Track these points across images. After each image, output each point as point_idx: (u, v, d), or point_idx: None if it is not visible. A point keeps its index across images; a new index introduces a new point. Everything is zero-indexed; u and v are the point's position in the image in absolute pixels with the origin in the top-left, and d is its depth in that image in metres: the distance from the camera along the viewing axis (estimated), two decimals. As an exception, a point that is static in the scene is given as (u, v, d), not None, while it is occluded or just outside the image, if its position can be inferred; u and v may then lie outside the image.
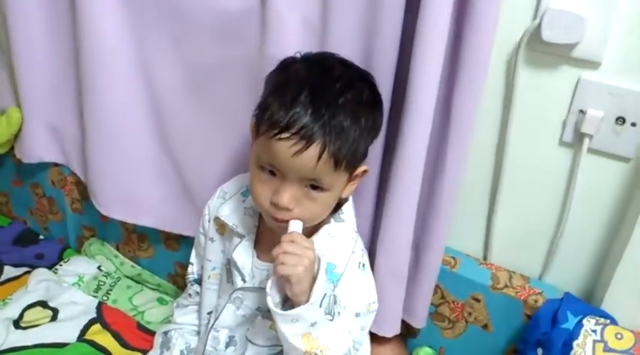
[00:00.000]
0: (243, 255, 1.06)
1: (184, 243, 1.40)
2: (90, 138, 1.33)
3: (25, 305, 1.36)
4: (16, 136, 1.47)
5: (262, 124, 0.91)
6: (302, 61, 0.97)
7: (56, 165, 1.50)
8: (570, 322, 1.02)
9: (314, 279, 0.90)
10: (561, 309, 1.04)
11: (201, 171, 1.28)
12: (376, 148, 1.08)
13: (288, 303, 0.92)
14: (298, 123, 0.86)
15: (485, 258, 1.21)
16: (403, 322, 1.20)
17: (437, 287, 1.19)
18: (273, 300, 0.91)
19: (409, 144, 1.02)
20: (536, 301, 1.10)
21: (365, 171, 1.00)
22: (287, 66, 0.97)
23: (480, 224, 1.20)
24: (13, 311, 1.35)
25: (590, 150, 1.03)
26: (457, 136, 1.04)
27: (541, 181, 1.10)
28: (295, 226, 0.93)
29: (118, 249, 1.53)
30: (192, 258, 1.21)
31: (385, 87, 1.04)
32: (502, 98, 1.08)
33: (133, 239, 1.49)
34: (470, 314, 1.18)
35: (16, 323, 1.32)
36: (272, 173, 0.92)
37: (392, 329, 1.18)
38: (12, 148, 1.51)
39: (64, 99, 1.39)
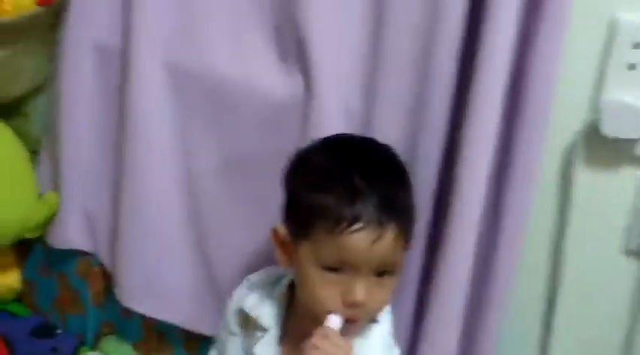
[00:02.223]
0: (266, 349, 0.97)
1: (205, 345, 1.30)
2: (122, 224, 1.30)
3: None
4: (50, 221, 1.44)
5: (319, 225, 0.85)
6: (320, 149, 0.93)
7: (85, 254, 1.46)
8: None
9: None
10: None
11: (231, 264, 1.22)
12: (417, 249, 1.01)
13: None
14: (367, 211, 0.82)
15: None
16: None
17: None
18: None
19: (454, 251, 0.97)
20: None
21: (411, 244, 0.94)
22: (308, 159, 0.92)
23: (534, 348, 1.08)
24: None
25: (661, 260, 0.94)
26: (507, 241, 0.98)
27: (604, 297, 1.00)
28: (333, 322, 0.85)
29: (136, 349, 1.44)
30: (212, 355, 1.12)
31: (428, 185, 0.99)
32: (559, 200, 1.00)
33: (153, 338, 1.41)
34: None
35: None
36: (337, 270, 0.85)
37: None
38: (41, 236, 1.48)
39: (102, 186, 1.37)
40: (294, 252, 0.90)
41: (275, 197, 1.06)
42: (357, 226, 0.82)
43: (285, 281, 1.00)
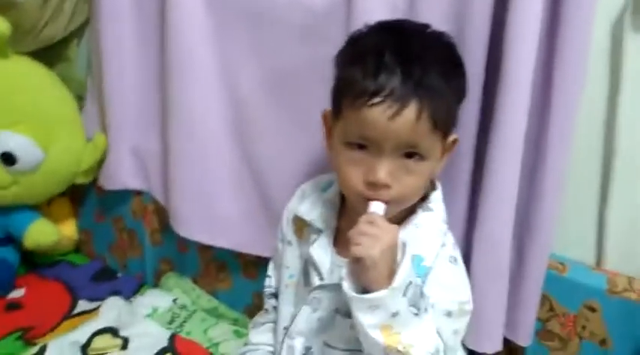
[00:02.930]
0: (321, 250, 0.97)
1: (264, 271, 1.32)
2: (172, 157, 1.32)
3: (94, 330, 1.30)
4: (100, 164, 1.48)
5: (345, 100, 0.85)
6: (372, 30, 0.91)
7: (138, 194, 1.49)
8: None
9: (397, 267, 0.80)
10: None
11: (282, 181, 1.22)
12: (469, 132, 1.00)
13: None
14: (390, 85, 0.81)
15: (598, 265, 1.06)
16: (505, 340, 1.05)
17: (544, 297, 1.04)
18: (349, 285, 0.82)
19: (505, 128, 0.95)
20: (664, 305, 0.94)
21: (455, 141, 0.92)
22: (356, 39, 0.91)
23: (591, 224, 1.06)
24: (81, 335, 1.28)
25: None
26: (559, 115, 0.96)
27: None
28: (376, 207, 0.84)
29: (195, 282, 1.47)
30: (270, 271, 1.13)
31: (477, 74, 0.98)
32: (610, 71, 0.98)
33: (211, 269, 1.43)
34: (584, 328, 1.02)
35: (84, 349, 1.25)
36: (361, 148, 0.85)
37: (492, 345, 1.04)
38: (94, 182, 1.52)
39: (149, 123, 1.40)
40: (334, 134, 0.90)
41: (321, 108, 1.08)
42: (376, 99, 0.81)
43: (335, 185, 1.00)
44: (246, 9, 1.18)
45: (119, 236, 1.58)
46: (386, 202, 0.85)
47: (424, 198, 0.94)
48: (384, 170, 0.83)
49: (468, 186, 1.04)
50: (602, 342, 1.02)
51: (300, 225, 1.04)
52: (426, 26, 0.92)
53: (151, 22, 1.31)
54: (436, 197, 0.95)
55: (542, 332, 1.07)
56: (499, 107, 0.95)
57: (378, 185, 0.84)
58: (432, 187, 0.96)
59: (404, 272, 0.79)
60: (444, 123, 0.85)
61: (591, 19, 0.90)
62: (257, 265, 1.35)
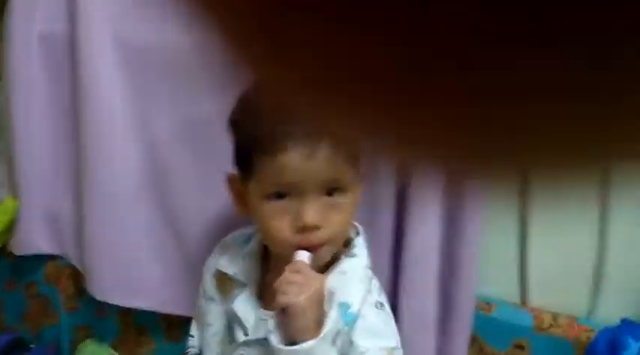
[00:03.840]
0: (245, 304, 0.94)
1: (187, 333, 1.26)
2: (87, 218, 1.27)
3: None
4: (11, 229, 1.40)
5: (256, 153, 0.84)
6: (259, 85, 0.90)
7: (52, 258, 1.42)
8: (633, 348, 0.87)
9: (325, 316, 0.79)
10: (621, 336, 0.88)
11: (203, 236, 1.19)
12: (388, 177, 1.02)
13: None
14: (298, 128, 0.79)
15: (523, 302, 1.07)
16: (437, 385, 1.04)
17: (472, 338, 1.04)
18: (277, 338, 0.79)
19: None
20: (589, 338, 0.95)
21: (367, 170, 0.92)
22: (246, 95, 0.89)
23: (513, 263, 1.07)
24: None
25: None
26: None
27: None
28: (302, 256, 0.83)
29: (116, 349, 1.39)
30: (193, 330, 1.08)
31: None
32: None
33: (132, 334, 1.36)
34: (515, 367, 1.02)
35: None
36: (282, 197, 0.84)
37: (424, 391, 1.01)
38: (4, 247, 1.43)
39: (62, 184, 1.35)
40: (247, 195, 0.89)
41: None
42: (290, 142, 0.80)
43: (256, 237, 0.98)
44: (162, 62, 1.16)
45: (32, 304, 1.49)
46: (319, 246, 0.84)
47: (347, 244, 0.93)
48: (311, 212, 0.82)
49: (391, 231, 1.04)
50: (534, 380, 1.01)
51: (223, 280, 1.00)
52: None
53: (62, 81, 1.28)
54: (359, 242, 0.94)
55: (474, 374, 1.07)
56: None
57: (309, 228, 0.82)
58: (355, 232, 0.95)
59: (332, 321, 0.78)
60: (357, 153, 0.84)
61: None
62: (181, 326, 1.28)
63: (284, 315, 0.79)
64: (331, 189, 0.84)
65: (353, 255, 0.92)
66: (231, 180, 0.93)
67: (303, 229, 0.82)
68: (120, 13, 1.18)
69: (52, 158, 1.34)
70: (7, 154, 1.39)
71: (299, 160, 0.80)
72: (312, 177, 0.81)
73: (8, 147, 1.36)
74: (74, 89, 1.24)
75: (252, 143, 0.85)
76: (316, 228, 0.83)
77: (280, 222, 0.84)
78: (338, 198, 0.84)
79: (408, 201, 0.99)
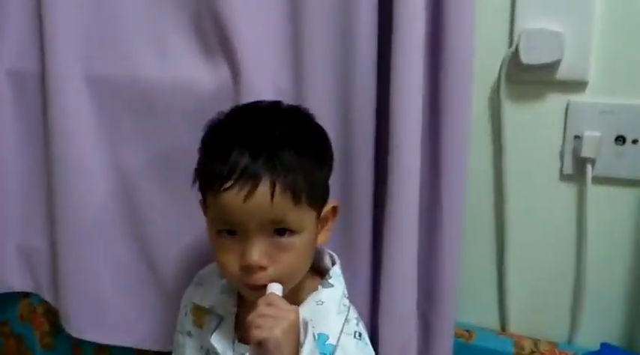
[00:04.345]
0: (223, 338, 0.93)
1: (166, 367, 1.25)
2: (60, 253, 1.24)
3: None
4: (-17, 266, 1.37)
5: (205, 189, 0.84)
6: (226, 115, 0.90)
7: (26, 296, 1.39)
8: (613, 373, 0.86)
9: (301, 347, 0.77)
10: (601, 361, 0.88)
11: (178, 270, 1.16)
12: (364, 208, 1.01)
13: None
14: (240, 166, 0.79)
15: (503, 329, 1.07)
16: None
17: (453, 366, 1.03)
18: None
19: (398, 206, 0.95)
20: (570, 363, 0.94)
21: (335, 208, 0.91)
22: (212, 127, 0.90)
23: (492, 290, 1.08)
24: None
25: (596, 180, 0.95)
26: (450, 191, 0.98)
27: (549, 225, 1.01)
28: (274, 288, 0.81)
29: (92, 386, 1.36)
30: (170, 367, 1.06)
31: (367, 144, 1.00)
32: (492, 141, 1.02)
33: (108, 370, 1.33)
34: (496, 395, 1.01)
35: None
36: (231, 234, 0.83)
37: None
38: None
39: (34, 220, 1.32)
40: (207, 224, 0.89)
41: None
42: (228, 183, 0.79)
43: None
44: (132, 96, 1.14)
45: (5, 343, 1.46)
46: (264, 286, 0.82)
47: (323, 274, 0.92)
48: (255, 252, 0.81)
49: (369, 259, 1.03)
50: (516, 408, 1.01)
51: (200, 314, 0.98)
52: (278, 104, 0.91)
53: (32, 118, 1.26)
54: (335, 272, 0.93)
55: (455, 403, 1.05)
56: (391, 183, 0.95)
57: (253, 268, 0.81)
58: (332, 261, 0.94)
59: (308, 351, 0.77)
60: (307, 196, 0.83)
61: (469, 89, 0.94)
62: (158, 361, 1.28)
63: (260, 349, 0.77)
64: (280, 229, 0.82)
65: (329, 285, 0.91)
66: (201, 205, 0.92)
67: (248, 268, 0.82)
68: (89, 48, 1.17)
69: (24, 195, 1.32)
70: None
71: (237, 201, 0.79)
72: (251, 219, 0.80)
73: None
74: (44, 125, 1.23)
75: (202, 176, 0.86)
76: (261, 268, 0.82)
77: (229, 258, 0.83)
78: (286, 239, 0.83)
79: (385, 229, 0.98)
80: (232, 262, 0.83)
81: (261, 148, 0.80)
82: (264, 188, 0.79)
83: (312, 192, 0.84)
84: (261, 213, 0.80)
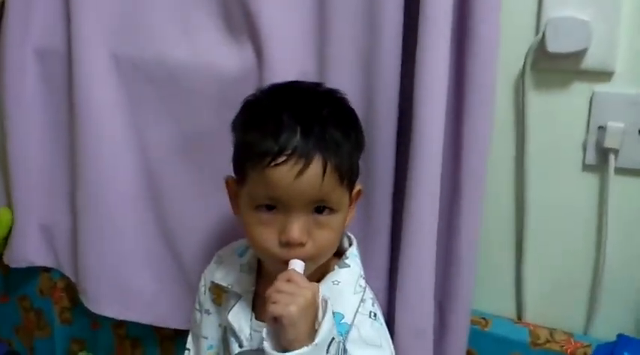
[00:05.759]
0: (240, 316, 0.94)
1: (181, 345, 1.25)
2: (81, 230, 1.26)
3: None
4: (5, 241, 1.39)
5: (248, 164, 0.84)
6: (265, 93, 0.91)
7: (46, 271, 1.41)
8: (630, 363, 0.86)
9: (318, 324, 0.78)
10: (617, 352, 0.88)
11: (198, 249, 1.18)
12: (385, 194, 1.02)
13: None
14: (292, 144, 0.80)
15: (519, 318, 1.07)
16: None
17: (468, 353, 1.03)
18: (270, 345, 0.78)
19: (418, 192, 0.95)
20: (585, 354, 0.95)
21: (360, 192, 0.92)
22: (252, 103, 0.91)
23: (509, 279, 1.07)
24: None
25: (618, 171, 0.95)
26: (470, 177, 0.98)
27: (569, 215, 1.00)
28: (294, 265, 0.82)
29: (110, 361, 1.39)
30: (189, 344, 1.08)
31: (389, 133, 1.00)
32: (514, 130, 1.01)
33: (126, 346, 1.35)
34: (510, 382, 1.01)
35: None
36: (270, 209, 0.83)
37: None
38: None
39: (56, 196, 1.34)
40: (240, 200, 0.89)
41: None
42: (280, 159, 0.80)
43: (252, 250, 0.97)
44: (157, 76, 1.15)
45: (25, 316, 1.49)
46: (303, 260, 0.83)
47: (340, 254, 0.93)
48: (297, 228, 0.81)
49: (388, 240, 1.04)
50: (529, 395, 1.01)
51: (219, 292, 1.00)
52: (317, 84, 0.92)
53: (57, 95, 1.27)
54: (352, 252, 0.94)
55: (469, 389, 1.06)
56: (412, 169, 0.95)
57: (293, 244, 0.82)
58: (349, 242, 0.95)
59: (326, 329, 0.77)
60: (348, 175, 0.85)
61: (494, 78, 0.94)
62: (174, 339, 1.30)
63: (276, 324, 0.78)
64: (320, 207, 0.83)
65: (346, 265, 0.92)
66: (228, 183, 0.93)
67: (288, 244, 0.82)
68: (115, 27, 1.18)
69: (47, 171, 1.34)
70: (2, 167, 1.39)
71: (288, 178, 0.80)
72: (299, 196, 0.81)
73: (4, 160, 1.36)
74: (70, 103, 1.24)
75: (246, 151, 0.85)
76: (301, 244, 0.82)
77: (267, 233, 0.84)
78: (326, 217, 0.84)
79: (405, 215, 0.98)
80: (270, 236, 0.84)
81: (312, 126, 0.81)
82: (315, 166, 0.80)
83: (352, 172, 0.87)
84: (310, 191, 0.81)
